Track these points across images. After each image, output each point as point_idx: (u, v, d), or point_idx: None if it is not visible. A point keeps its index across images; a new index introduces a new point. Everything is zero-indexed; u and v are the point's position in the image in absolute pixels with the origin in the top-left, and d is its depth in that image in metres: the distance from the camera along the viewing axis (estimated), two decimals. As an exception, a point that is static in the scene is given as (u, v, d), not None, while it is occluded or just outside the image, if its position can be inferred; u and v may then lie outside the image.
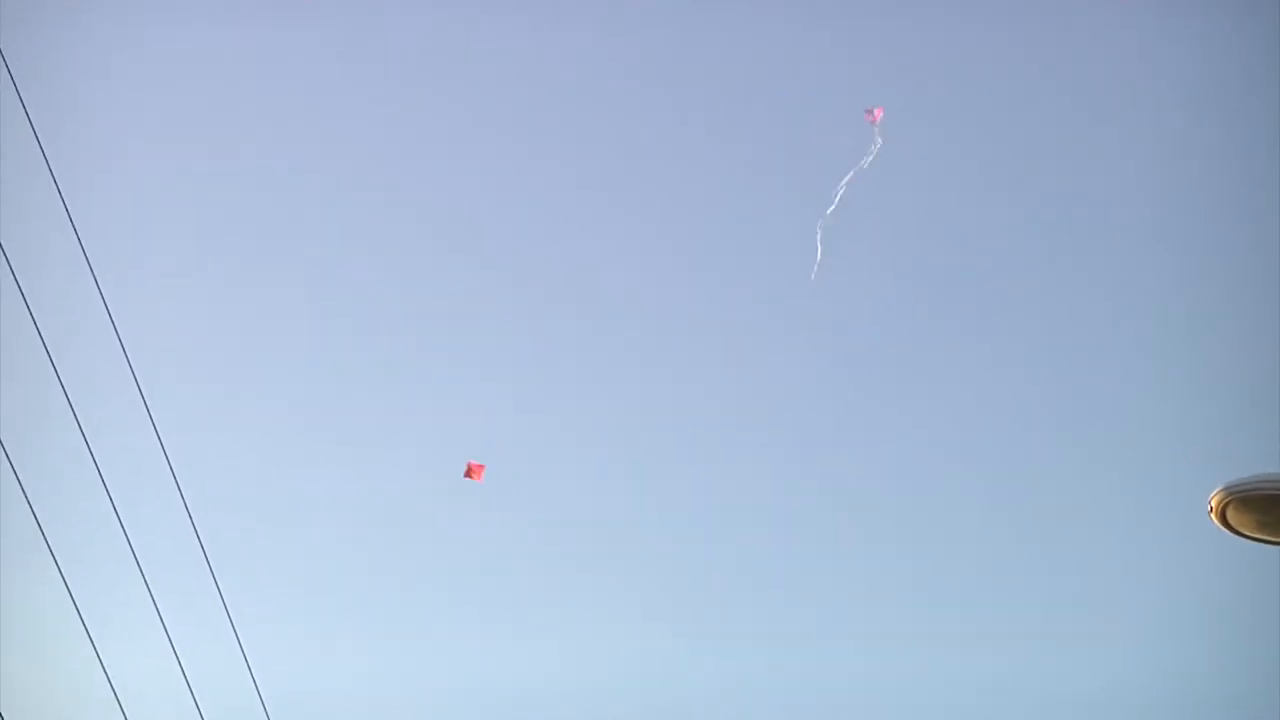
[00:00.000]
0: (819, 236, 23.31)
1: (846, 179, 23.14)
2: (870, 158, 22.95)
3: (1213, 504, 10.96)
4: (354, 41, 28.91)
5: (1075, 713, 27.14)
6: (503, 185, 29.59)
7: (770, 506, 29.53)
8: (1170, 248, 28.46)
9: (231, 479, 28.09)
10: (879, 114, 23.14)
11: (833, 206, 23.28)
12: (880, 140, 22.91)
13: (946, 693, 27.72)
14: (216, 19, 27.75)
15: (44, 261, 17.77)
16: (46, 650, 19.37)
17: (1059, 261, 29.09)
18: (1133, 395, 28.46)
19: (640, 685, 27.98)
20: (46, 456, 17.76)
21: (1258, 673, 24.90)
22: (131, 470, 18.61)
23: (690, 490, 29.76)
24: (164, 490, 18.82)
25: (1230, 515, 10.99)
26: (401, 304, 29.69)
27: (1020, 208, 29.15)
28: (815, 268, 23.38)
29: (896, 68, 28.01)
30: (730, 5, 28.78)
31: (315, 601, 28.67)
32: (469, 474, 23.66)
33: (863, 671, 28.17)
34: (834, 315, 29.17)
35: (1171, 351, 28.19)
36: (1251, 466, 11.24)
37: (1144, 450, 28.27)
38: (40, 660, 19.74)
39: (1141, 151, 28.38)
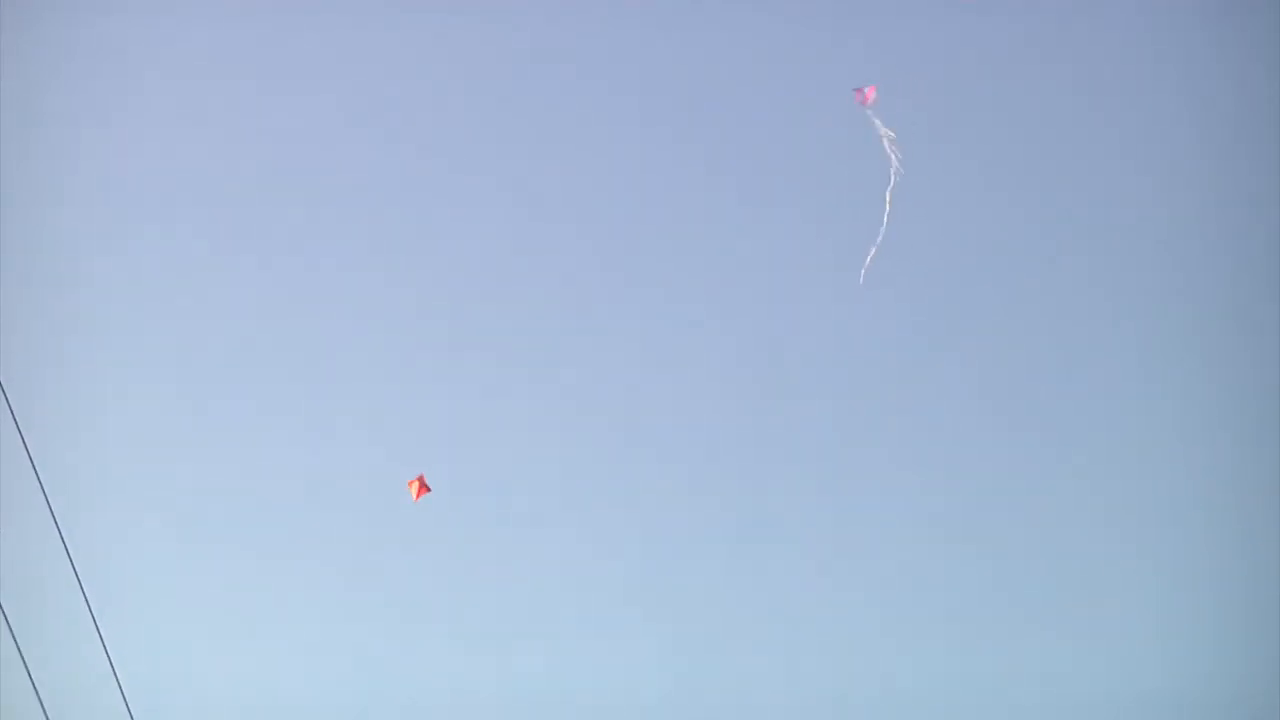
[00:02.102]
0: (872, 251, 22.69)
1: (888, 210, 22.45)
2: (894, 175, 22.23)
3: None
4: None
5: (1076, 713, 27.11)
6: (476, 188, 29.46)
7: (769, 504, 29.40)
8: (1171, 250, 28.46)
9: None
10: (870, 93, 22.08)
11: (882, 230, 22.67)
12: (896, 152, 22.10)
13: (946, 694, 27.64)
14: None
15: None
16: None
17: (1057, 262, 29.01)
18: (1132, 396, 28.40)
19: (617, 691, 27.87)
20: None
21: (1258, 673, 24.91)
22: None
23: (683, 493, 29.65)
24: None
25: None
26: (391, 302, 29.47)
27: (1020, 209, 29.09)
28: (863, 272, 22.87)
29: (893, 68, 27.95)
30: (724, 8, 28.71)
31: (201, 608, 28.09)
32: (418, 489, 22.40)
33: (861, 673, 28.10)
34: (831, 315, 29.08)
35: (1173, 352, 28.12)
36: (1253, 466, 11.17)
37: (1144, 451, 28.21)
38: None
39: (1142, 152, 28.39)
